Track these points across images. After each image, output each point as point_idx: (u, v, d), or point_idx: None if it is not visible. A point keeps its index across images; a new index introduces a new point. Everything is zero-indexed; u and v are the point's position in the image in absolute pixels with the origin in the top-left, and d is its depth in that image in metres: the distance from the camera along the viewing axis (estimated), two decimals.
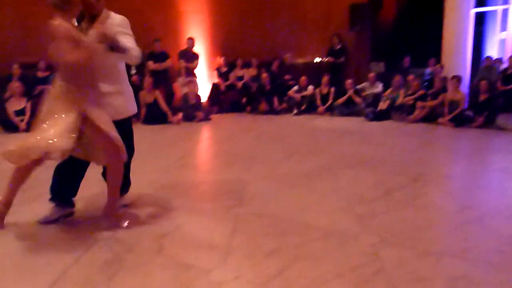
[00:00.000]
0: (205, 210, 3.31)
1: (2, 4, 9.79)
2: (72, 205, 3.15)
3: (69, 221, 3.08)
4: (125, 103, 3.08)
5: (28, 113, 7.26)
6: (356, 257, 2.50)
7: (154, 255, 2.55)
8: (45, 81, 8.37)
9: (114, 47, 2.73)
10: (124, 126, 3.05)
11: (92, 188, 3.44)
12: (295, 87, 9.85)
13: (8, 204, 2.91)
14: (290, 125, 8.07)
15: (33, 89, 8.04)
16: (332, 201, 3.53)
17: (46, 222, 3.01)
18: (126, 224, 2.96)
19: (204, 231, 2.90)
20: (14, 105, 7.27)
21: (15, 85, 7.41)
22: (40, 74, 8.40)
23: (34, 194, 3.50)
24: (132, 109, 3.18)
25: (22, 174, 2.83)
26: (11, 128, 7.14)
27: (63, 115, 2.67)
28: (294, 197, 3.66)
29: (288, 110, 9.61)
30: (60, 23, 2.63)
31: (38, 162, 2.74)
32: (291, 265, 2.40)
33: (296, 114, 9.37)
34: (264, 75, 9.84)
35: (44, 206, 3.09)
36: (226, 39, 10.43)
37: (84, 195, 3.34)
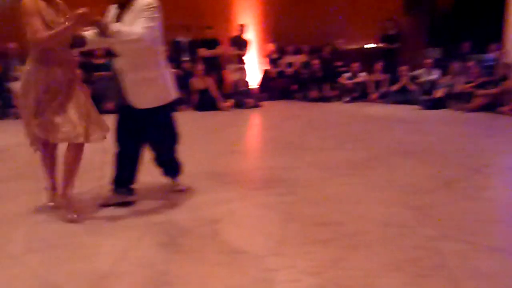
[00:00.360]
0: (258, 197, 3.31)
1: None
2: (131, 193, 3.21)
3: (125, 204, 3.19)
4: (164, 89, 3.04)
5: None
6: (413, 250, 2.42)
7: (209, 240, 2.59)
8: (102, 67, 8.67)
9: (100, 31, 2.66)
10: (166, 112, 3.10)
11: (149, 172, 3.52)
12: (347, 74, 9.65)
13: (53, 188, 3.09)
14: (341, 113, 7.92)
15: (91, 76, 8.34)
16: (387, 191, 3.43)
17: (105, 205, 3.12)
18: (74, 216, 2.88)
19: (257, 218, 2.90)
20: None
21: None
22: (97, 61, 8.69)
23: (94, 176, 3.63)
24: (171, 95, 3.11)
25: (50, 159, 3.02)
26: None
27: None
28: (347, 186, 3.59)
29: (339, 98, 9.44)
30: (29, 0, 2.66)
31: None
32: (346, 255, 2.36)
33: (348, 101, 9.19)
34: (315, 61, 9.70)
35: (104, 189, 3.21)
36: (277, 26, 10.34)
37: (142, 179, 3.43)
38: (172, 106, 3.21)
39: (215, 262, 2.33)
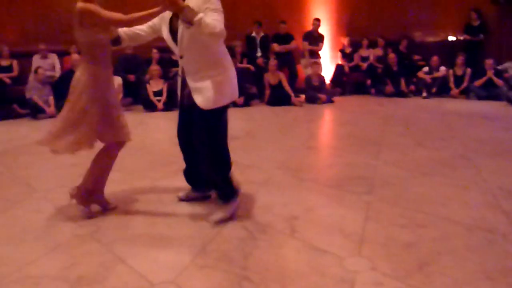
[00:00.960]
0: (335, 195, 3.26)
1: None
2: (204, 190, 3.24)
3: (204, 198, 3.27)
4: (221, 91, 2.77)
5: (164, 94, 7.88)
6: (507, 259, 2.25)
7: (287, 237, 2.59)
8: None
9: (185, 19, 2.48)
10: (216, 116, 2.84)
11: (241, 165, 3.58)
12: (425, 68, 9.21)
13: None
14: (420, 109, 7.57)
15: (169, 71, 8.67)
16: (474, 194, 3.23)
17: (184, 200, 3.23)
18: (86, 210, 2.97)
19: (335, 217, 2.85)
20: (153, 86, 7.93)
21: (154, 68, 8.06)
22: (175, 57, 9.02)
23: (174, 169, 3.77)
24: (226, 98, 2.85)
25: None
26: (150, 107, 7.83)
27: None
28: (429, 187, 3.42)
29: (417, 93, 9.03)
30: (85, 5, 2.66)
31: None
32: (431, 261, 2.25)
33: (426, 97, 8.76)
34: (391, 55, 9.35)
35: (183, 182, 3.31)
36: (352, 19, 10.10)
37: None
38: (225, 111, 2.93)
39: (294, 260, 2.33)
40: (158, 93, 7.93)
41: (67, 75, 8.10)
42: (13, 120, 7.54)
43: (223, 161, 2.88)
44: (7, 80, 8.22)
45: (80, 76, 2.81)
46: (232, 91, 2.88)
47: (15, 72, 8.45)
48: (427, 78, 9.01)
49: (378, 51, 9.86)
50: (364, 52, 9.93)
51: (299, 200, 3.18)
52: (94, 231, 2.75)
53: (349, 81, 9.78)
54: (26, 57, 8.48)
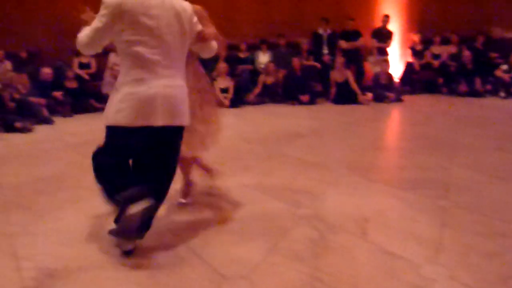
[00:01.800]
0: (408, 198, 3.15)
1: None
2: None
3: (274, 195, 3.30)
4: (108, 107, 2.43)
5: (231, 91, 8.02)
6: None
7: (358, 239, 2.54)
8: (246, 61, 9.09)
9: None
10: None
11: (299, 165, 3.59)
12: (504, 66, 8.66)
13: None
14: (497, 109, 7.13)
15: (236, 69, 8.81)
16: None
17: None
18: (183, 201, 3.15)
19: (409, 221, 2.76)
20: (220, 83, 8.10)
21: (222, 66, 8.22)
22: (242, 54, 9.13)
23: (243, 165, 3.83)
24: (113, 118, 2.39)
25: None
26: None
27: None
28: (508, 193, 3.22)
29: (494, 92, 8.52)
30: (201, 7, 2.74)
31: None
32: None
33: (504, 97, 8.25)
34: (466, 52, 8.89)
35: (253, 178, 3.36)
36: (423, 15, 9.69)
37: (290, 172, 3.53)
38: (111, 132, 2.47)
39: (367, 263, 2.28)
40: (224, 90, 8.08)
41: None
42: (90, 113, 8.01)
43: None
44: (86, 76, 8.74)
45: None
46: (116, 113, 2.34)
47: (93, 69, 8.97)
48: (506, 77, 8.47)
49: (452, 48, 9.40)
50: (436, 49, 9.51)
51: (369, 202, 3.12)
52: (168, 222, 2.87)
53: (419, 79, 9.42)
54: (103, 54, 8.97)
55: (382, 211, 2.93)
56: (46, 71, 8.08)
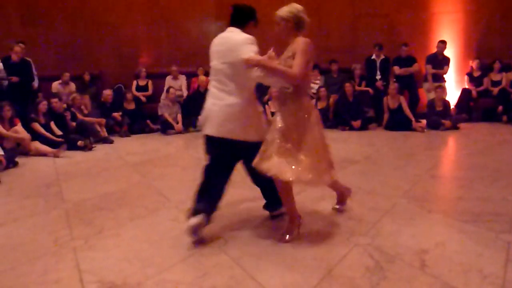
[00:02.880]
0: (469, 231, 3.02)
1: None
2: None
3: (329, 221, 3.27)
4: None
5: None
6: None
7: (417, 271, 2.46)
8: None
9: None
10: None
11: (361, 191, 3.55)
12: None
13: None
14: None
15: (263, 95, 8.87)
16: None
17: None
18: (287, 238, 2.94)
19: (470, 255, 2.65)
20: (272, 107, 8.19)
21: (273, 90, 8.33)
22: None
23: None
24: None
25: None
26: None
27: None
28: None
29: None
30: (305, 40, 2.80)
31: None
32: None
33: None
34: None
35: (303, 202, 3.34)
36: (482, 40, 9.39)
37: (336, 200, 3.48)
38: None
39: None
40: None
41: (194, 95, 8.78)
42: (146, 134, 8.33)
43: None
44: (143, 99, 9.12)
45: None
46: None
47: (150, 91, 9.35)
48: None
49: None
50: (495, 76, 9.16)
51: (428, 232, 3.02)
52: (222, 244, 2.91)
53: (476, 107, 9.08)
54: (160, 77, 9.36)
55: (442, 243, 2.82)
56: (107, 93, 8.53)
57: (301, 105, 2.85)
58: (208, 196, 2.99)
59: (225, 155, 3.02)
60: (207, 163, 3.08)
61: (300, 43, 2.78)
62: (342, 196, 3.50)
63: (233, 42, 2.90)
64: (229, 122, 2.91)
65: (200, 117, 3.20)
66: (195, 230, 2.88)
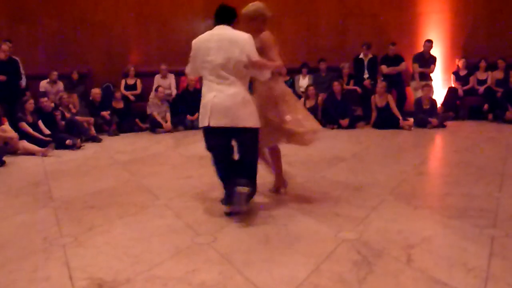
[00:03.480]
0: (454, 226, 3.08)
1: None
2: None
3: (316, 217, 3.31)
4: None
5: None
6: None
7: (403, 265, 2.51)
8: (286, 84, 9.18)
9: None
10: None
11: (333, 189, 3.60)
12: None
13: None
14: None
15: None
16: None
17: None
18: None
19: (455, 249, 2.70)
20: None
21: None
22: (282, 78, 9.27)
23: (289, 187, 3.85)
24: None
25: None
26: None
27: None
28: None
29: None
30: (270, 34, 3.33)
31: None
32: None
33: None
34: None
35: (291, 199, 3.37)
36: (469, 40, 9.51)
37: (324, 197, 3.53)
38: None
39: None
40: None
41: (183, 94, 8.77)
42: (135, 133, 8.30)
43: None
44: (132, 98, 9.09)
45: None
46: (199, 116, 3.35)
47: (138, 90, 9.32)
48: None
49: (499, 74, 9.16)
50: (481, 75, 9.31)
51: (414, 228, 3.07)
52: (212, 240, 2.93)
53: (463, 105, 9.22)
54: (149, 76, 9.32)
55: (427, 238, 2.88)
56: (96, 92, 8.49)
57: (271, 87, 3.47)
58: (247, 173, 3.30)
59: (228, 143, 3.32)
60: (218, 155, 3.36)
61: (267, 38, 3.30)
62: (278, 183, 3.86)
63: (233, 38, 3.15)
64: (237, 111, 3.15)
65: (200, 111, 3.29)
66: (247, 198, 3.22)
